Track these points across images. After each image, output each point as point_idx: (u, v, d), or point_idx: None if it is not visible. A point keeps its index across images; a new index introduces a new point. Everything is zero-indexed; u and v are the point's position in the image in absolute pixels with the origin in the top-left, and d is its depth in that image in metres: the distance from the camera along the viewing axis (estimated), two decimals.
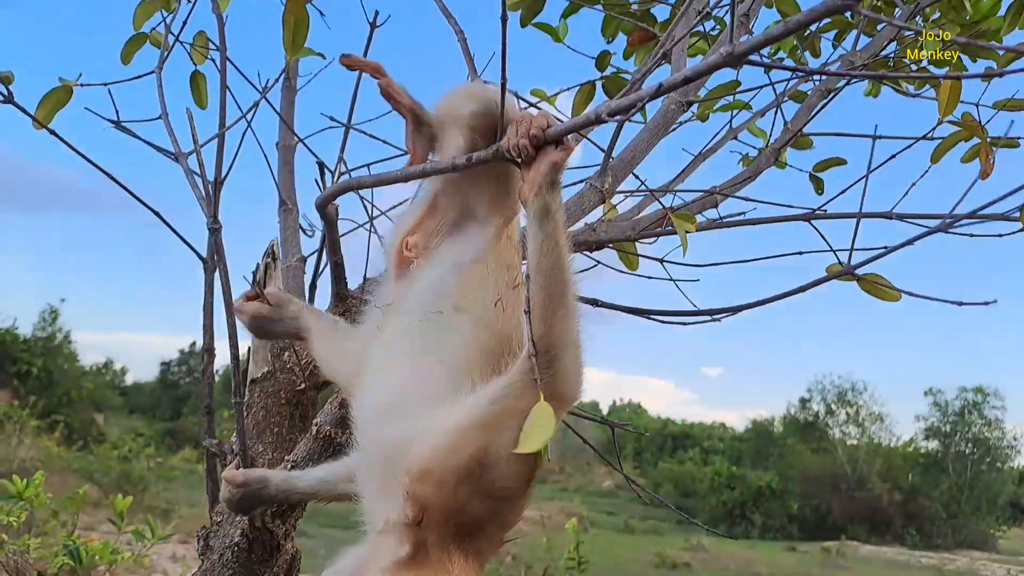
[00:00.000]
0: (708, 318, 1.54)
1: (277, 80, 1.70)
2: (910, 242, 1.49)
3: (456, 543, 1.18)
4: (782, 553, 23.91)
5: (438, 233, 1.34)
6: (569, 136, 1.12)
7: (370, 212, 1.67)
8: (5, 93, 1.43)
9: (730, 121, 2.09)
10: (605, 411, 56.70)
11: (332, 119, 1.72)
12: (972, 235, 1.61)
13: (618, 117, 0.97)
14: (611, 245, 1.62)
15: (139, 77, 1.63)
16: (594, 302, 1.56)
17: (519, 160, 1.14)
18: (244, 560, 1.29)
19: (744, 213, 1.83)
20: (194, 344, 52.68)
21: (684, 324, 1.56)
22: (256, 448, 1.36)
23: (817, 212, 1.62)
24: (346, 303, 1.41)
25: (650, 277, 1.66)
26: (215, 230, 1.50)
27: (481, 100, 1.37)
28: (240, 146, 1.62)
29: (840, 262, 1.54)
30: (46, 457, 14.50)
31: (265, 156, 1.72)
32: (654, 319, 1.59)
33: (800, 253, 1.59)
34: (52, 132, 1.48)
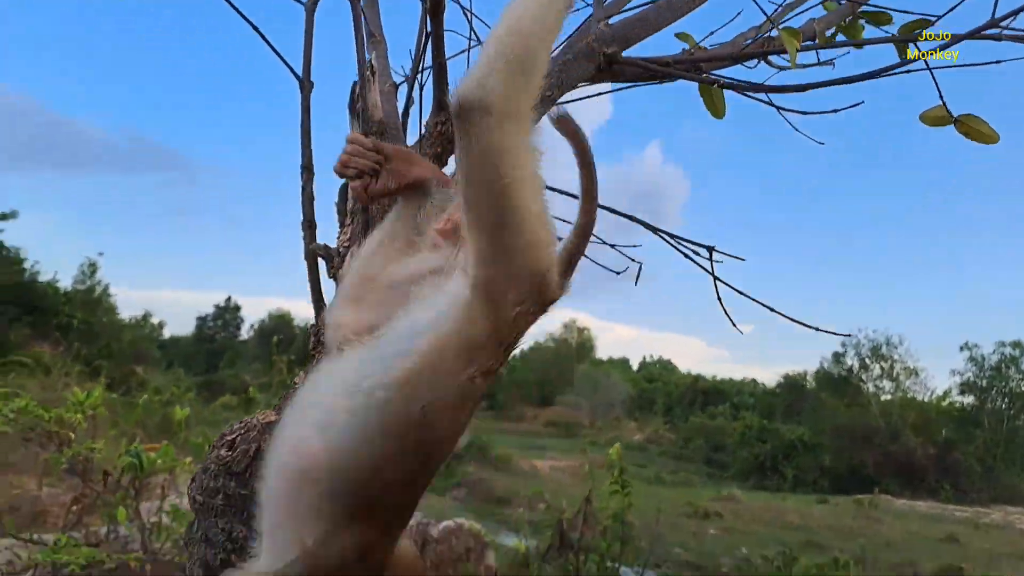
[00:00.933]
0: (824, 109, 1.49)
1: None
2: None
3: None
4: (814, 505, 23.94)
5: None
6: None
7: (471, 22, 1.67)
8: None
9: None
10: (635, 367, 56.83)
11: None
12: None
13: None
14: (667, 75, 1.58)
15: None
16: (714, 82, 1.52)
17: None
18: None
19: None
20: (228, 299, 53.49)
21: (804, 112, 1.52)
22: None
23: (917, 34, 1.55)
24: (447, 113, 1.42)
25: (754, 97, 1.59)
26: (308, 49, 1.52)
27: None
28: None
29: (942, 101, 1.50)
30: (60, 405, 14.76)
31: None
32: (754, 97, 1.55)
33: (908, 70, 1.51)
34: None
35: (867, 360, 34.88)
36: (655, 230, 1.67)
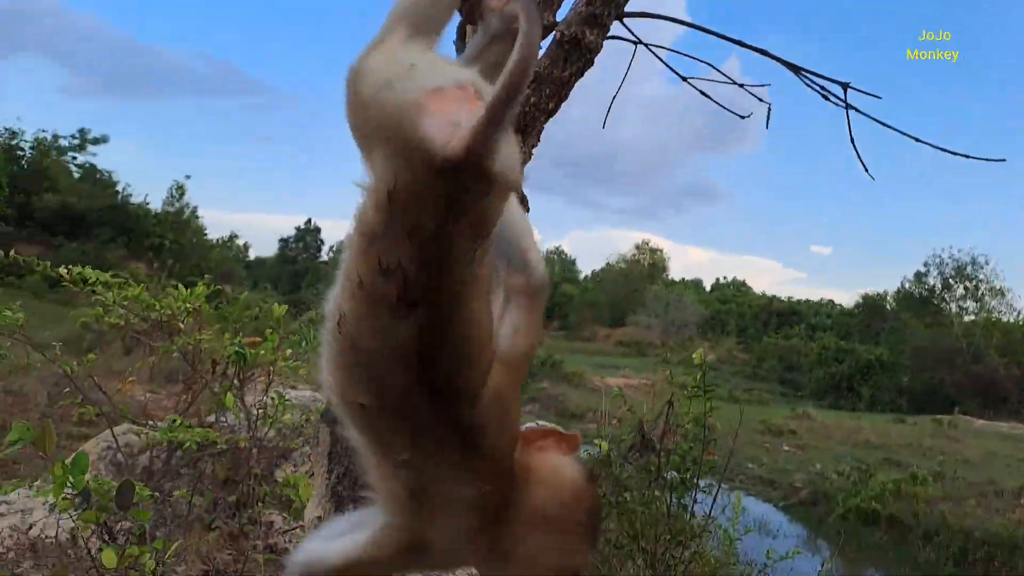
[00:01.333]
0: None
1: None
2: None
3: None
4: (891, 424, 23.69)
5: None
6: None
7: None
8: None
9: None
10: (708, 288, 56.25)
11: None
12: None
13: None
14: None
15: None
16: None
17: None
18: None
19: None
20: (309, 221, 54.74)
21: None
22: None
23: None
24: None
25: None
26: None
27: None
28: None
29: None
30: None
31: None
32: None
33: None
34: None
35: (951, 280, 33.80)
36: (788, 64, 1.66)
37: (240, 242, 44.43)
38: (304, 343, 5.52)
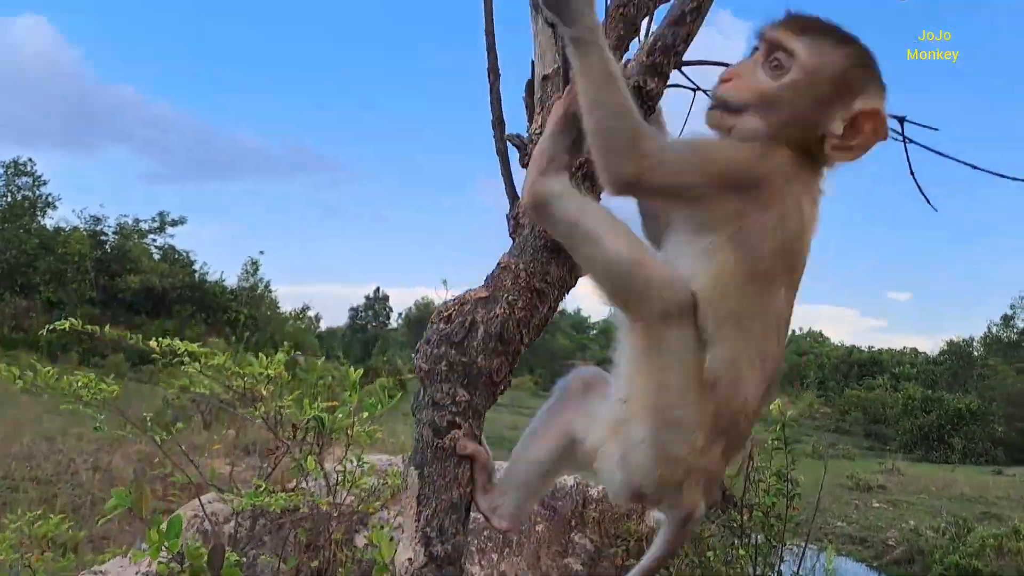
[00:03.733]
0: None
1: None
2: None
3: None
4: (987, 476, 22.51)
5: None
6: None
7: None
8: None
9: None
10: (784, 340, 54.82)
11: None
12: None
13: None
14: None
15: None
16: None
17: None
18: None
19: None
20: (378, 290, 55.83)
21: None
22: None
23: None
24: None
25: None
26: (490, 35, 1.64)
27: None
28: None
29: None
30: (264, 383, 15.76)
31: None
32: None
33: None
34: None
35: None
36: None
37: (312, 313, 45.47)
38: (380, 407, 5.57)
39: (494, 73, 1.64)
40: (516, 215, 1.52)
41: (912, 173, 1.64)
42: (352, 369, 5.28)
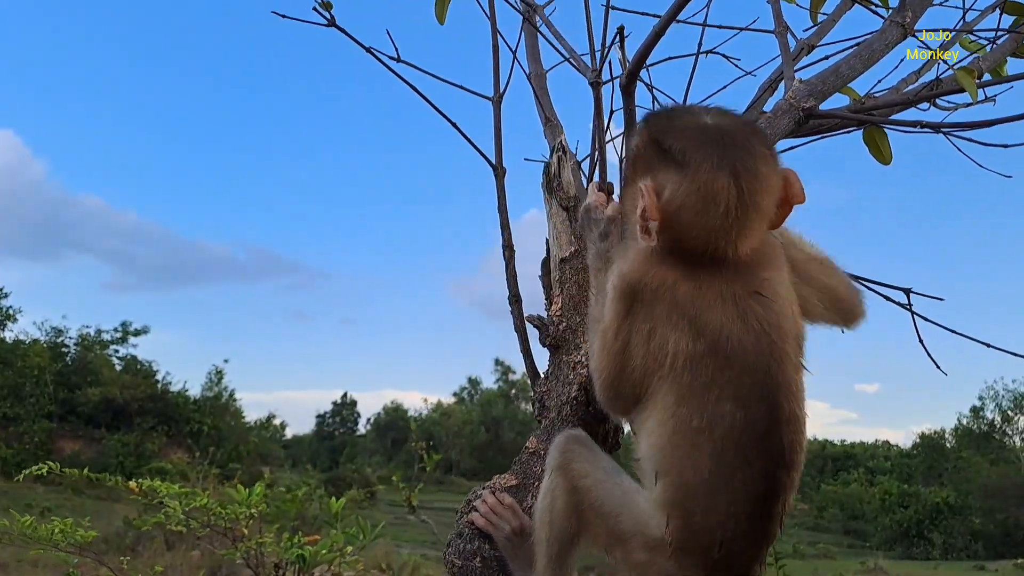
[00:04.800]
0: None
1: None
2: None
3: None
4: (970, 572, 22.28)
5: None
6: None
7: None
8: (328, 17, 1.67)
9: None
10: None
11: None
12: None
13: None
14: (870, 123, 1.64)
15: None
16: (925, 125, 1.56)
17: None
18: (582, 413, 1.42)
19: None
20: (345, 395, 54.96)
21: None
22: (574, 319, 1.51)
23: None
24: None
25: (928, 127, 1.62)
26: (499, 138, 1.68)
27: None
28: (511, 73, 1.83)
29: None
30: (227, 497, 15.29)
31: (529, 78, 1.91)
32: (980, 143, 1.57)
33: None
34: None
35: (1009, 412, 32.72)
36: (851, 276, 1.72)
37: (277, 421, 44.52)
38: (361, 536, 5.38)
39: (509, 249, 1.64)
40: (541, 397, 1.48)
41: (921, 341, 1.65)
42: (334, 500, 5.13)
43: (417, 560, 15.74)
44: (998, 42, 2.03)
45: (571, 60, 1.79)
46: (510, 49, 1.87)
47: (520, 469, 1.42)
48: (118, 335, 33.93)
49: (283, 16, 1.72)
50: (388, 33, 1.75)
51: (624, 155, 1.59)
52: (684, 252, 1.30)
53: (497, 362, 49.29)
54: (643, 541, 1.32)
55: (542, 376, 1.54)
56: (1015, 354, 1.64)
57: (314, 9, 1.67)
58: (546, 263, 1.62)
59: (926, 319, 1.63)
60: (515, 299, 1.62)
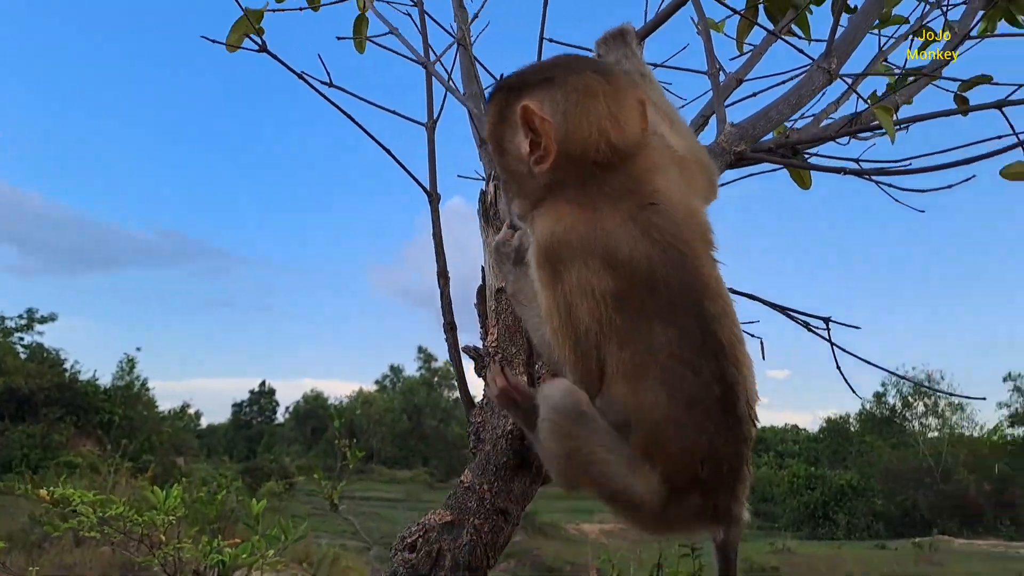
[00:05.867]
0: (943, 184, 1.60)
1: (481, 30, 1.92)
2: None
3: None
4: (872, 551, 23.36)
5: None
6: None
7: None
8: (259, 43, 1.64)
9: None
10: None
11: None
12: None
13: None
14: (797, 166, 1.72)
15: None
16: (842, 171, 1.64)
17: None
18: (518, 447, 1.45)
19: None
20: (263, 383, 53.84)
21: (921, 191, 1.64)
22: (510, 350, 1.53)
23: (1009, 99, 1.65)
24: None
25: (846, 172, 1.70)
26: (433, 164, 1.69)
27: None
28: (444, 99, 1.83)
29: None
30: (142, 498, 14.81)
31: (465, 104, 1.92)
32: (891, 186, 1.65)
33: (999, 137, 1.61)
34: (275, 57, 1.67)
35: (910, 398, 34.35)
36: (774, 305, 1.79)
37: (192, 410, 43.33)
38: (284, 538, 5.32)
39: (444, 277, 1.65)
40: (476, 428, 1.50)
41: (839, 367, 1.73)
42: (254, 502, 5.05)
43: (337, 551, 15.62)
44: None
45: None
46: (446, 71, 1.88)
47: (455, 504, 1.44)
48: (23, 322, 32.51)
49: (213, 41, 1.68)
50: (320, 57, 1.73)
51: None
52: (576, 176, 1.31)
53: (420, 350, 49.04)
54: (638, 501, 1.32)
55: (477, 405, 1.56)
56: (949, 394, 1.73)
57: (245, 35, 1.64)
58: (482, 290, 1.64)
59: (844, 350, 1.72)
60: (450, 327, 1.64)
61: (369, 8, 1.81)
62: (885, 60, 2.09)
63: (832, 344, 1.72)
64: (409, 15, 1.85)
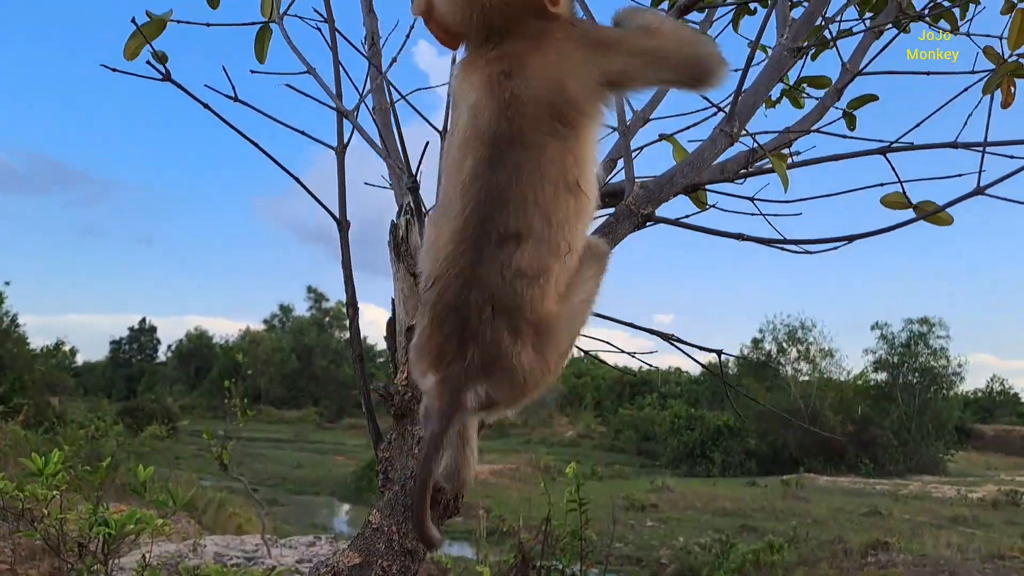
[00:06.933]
0: (830, 246, 1.70)
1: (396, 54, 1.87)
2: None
3: None
4: (743, 488, 24.81)
5: None
6: None
7: None
8: (163, 72, 1.55)
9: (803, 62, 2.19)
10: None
11: None
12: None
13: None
14: (698, 229, 1.78)
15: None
16: (739, 236, 1.73)
17: None
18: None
19: (814, 147, 1.98)
20: (143, 321, 51.87)
21: (809, 252, 1.73)
22: (420, 394, 1.55)
23: (893, 145, 1.77)
24: None
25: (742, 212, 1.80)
26: (343, 191, 1.67)
27: None
28: (356, 113, 1.78)
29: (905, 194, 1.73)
30: (13, 442, 14.14)
31: (375, 121, 1.88)
32: (784, 248, 1.75)
33: (882, 185, 1.74)
34: (178, 85, 1.60)
35: (784, 344, 36.25)
36: (664, 336, 1.88)
37: (67, 347, 41.39)
38: (173, 503, 5.23)
39: (353, 307, 1.64)
40: (385, 466, 1.52)
41: (735, 407, 1.83)
42: (141, 468, 4.92)
43: (223, 496, 15.40)
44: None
45: (395, 164, 1.79)
46: (357, 92, 1.83)
47: (363, 545, 1.46)
48: None
49: (114, 70, 1.58)
50: (224, 69, 1.65)
51: None
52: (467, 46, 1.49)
53: (310, 289, 48.19)
54: None
55: (385, 441, 1.58)
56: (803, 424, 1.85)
57: (148, 63, 1.55)
58: (391, 323, 1.64)
59: (732, 386, 1.81)
60: (359, 358, 1.64)
61: (277, 23, 1.73)
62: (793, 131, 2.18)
63: (726, 385, 1.81)
64: (319, 29, 1.79)
